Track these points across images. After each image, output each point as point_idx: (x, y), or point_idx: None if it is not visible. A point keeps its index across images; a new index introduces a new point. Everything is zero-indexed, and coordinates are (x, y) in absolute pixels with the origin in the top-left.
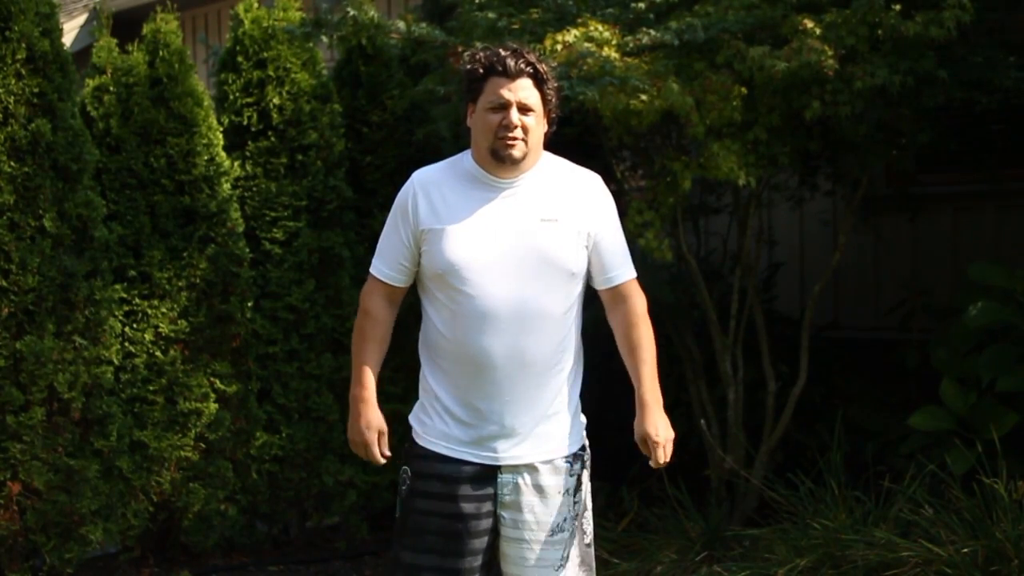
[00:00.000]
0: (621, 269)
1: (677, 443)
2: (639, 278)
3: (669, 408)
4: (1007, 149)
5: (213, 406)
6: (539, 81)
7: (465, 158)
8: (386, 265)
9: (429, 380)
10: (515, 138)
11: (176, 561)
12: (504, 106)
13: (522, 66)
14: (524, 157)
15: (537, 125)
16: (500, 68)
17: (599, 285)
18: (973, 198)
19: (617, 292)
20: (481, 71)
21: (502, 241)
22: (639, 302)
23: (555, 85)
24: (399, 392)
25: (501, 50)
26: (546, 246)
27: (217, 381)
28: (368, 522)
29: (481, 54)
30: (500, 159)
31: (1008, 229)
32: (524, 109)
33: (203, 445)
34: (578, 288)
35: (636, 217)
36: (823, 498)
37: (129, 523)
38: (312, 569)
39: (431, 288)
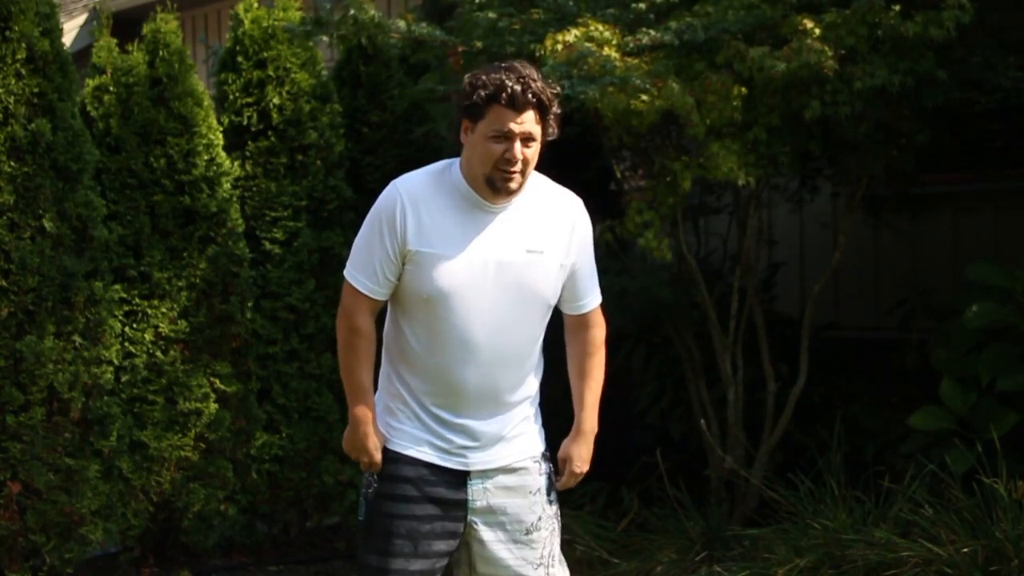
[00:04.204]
0: (590, 297)
1: (677, 443)
2: (640, 279)
3: (669, 408)
4: (1007, 149)
5: (213, 406)
6: (544, 111)
7: (453, 173)
8: (371, 280)
9: (397, 385)
10: (515, 171)
11: (176, 561)
12: (508, 137)
13: (529, 97)
14: (520, 188)
15: (535, 153)
16: (506, 99)
17: (567, 310)
18: (973, 198)
19: (583, 319)
20: (484, 96)
21: (490, 271)
22: (600, 332)
23: (556, 110)
24: None
25: (508, 77)
26: (530, 279)
27: (217, 381)
28: None
29: (485, 77)
30: (496, 190)
31: (1008, 229)
32: (526, 140)
33: (203, 445)
34: (549, 315)
35: (636, 217)
36: (823, 498)
37: (129, 523)
38: (312, 569)
39: (410, 307)
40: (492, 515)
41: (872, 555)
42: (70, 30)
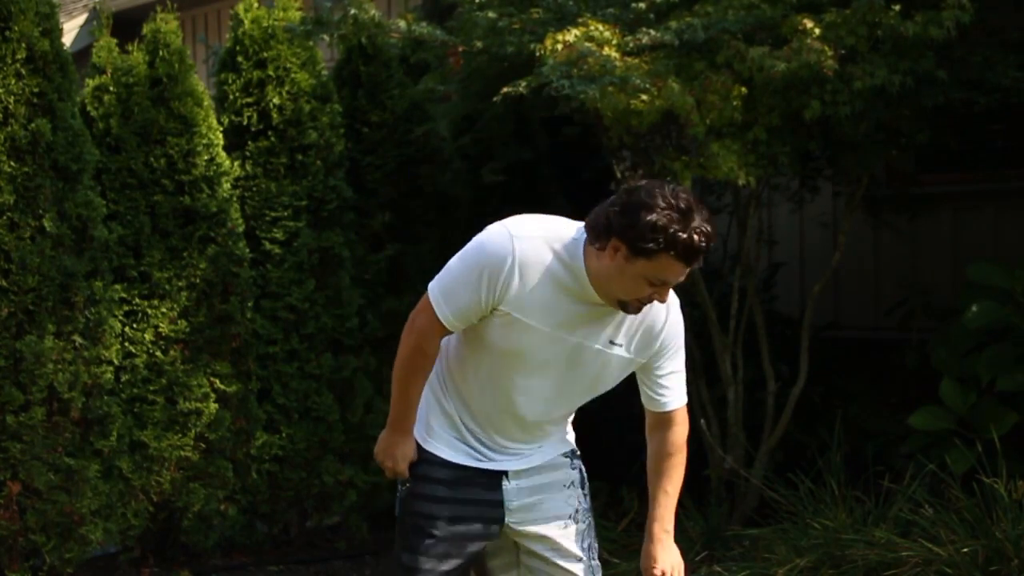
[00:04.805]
0: (673, 397)
1: None
2: None
3: None
4: (1006, 149)
5: (213, 406)
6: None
7: (576, 260)
8: (455, 315)
9: (445, 394)
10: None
11: (176, 561)
12: (664, 283)
13: (703, 253)
14: None
15: None
16: (683, 255)
17: (649, 406)
18: (973, 198)
19: (664, 417)
20: (662, 244)
21: (569, 350)
22: (681, 431)
23: None
24: None
25: (690, 229)
26: (602, 367)
27: (217, 381)
28: (368, 522)
29: (663, 220)
30: (622, 310)
31: (1008, 229)
32: None
33: (203, 445)
34: None
35: None
36: (823, 498)
37: (129, 523)
38: (312, 569)
39: (481, 348)
40: (529, 512)
41: (872, 555)
42: (70, 30)
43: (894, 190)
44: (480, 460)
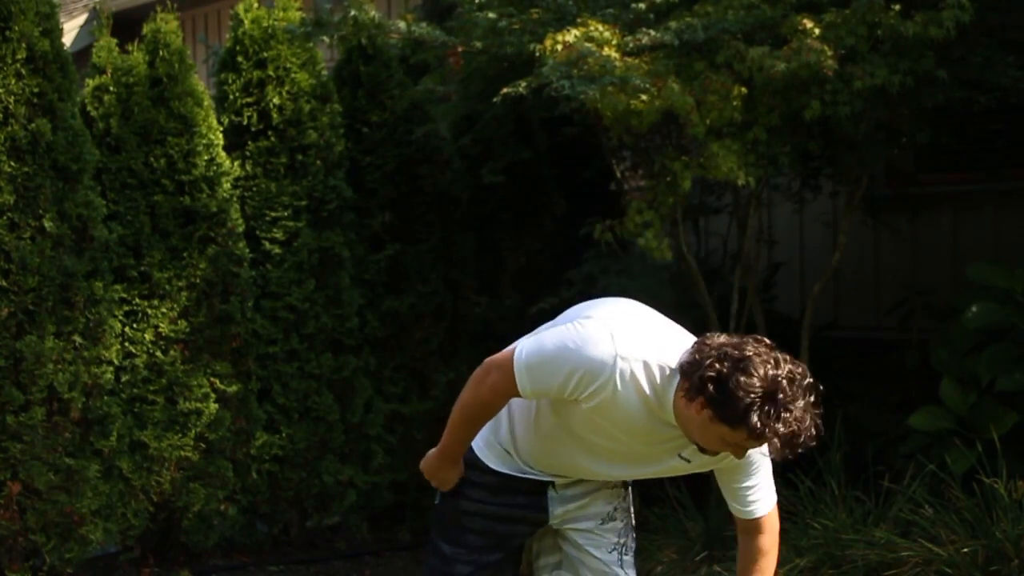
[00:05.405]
0: (755, 505)
1: None
2: (640, 279)
3: None
4: (1006, 148)
5: (213, 406)
6: None
7: (666, 394)
8: (534, 390)
9: (501, 427)
10: None
11: (176, 561)
12: (742, 449)
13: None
14: None
15: None
16: (764, 443)
17: (733, 512)
18: (973, 198)
19: (750, 523)
20: (745, 428)
21: (637, 454)
22: (767, 539)
23: None
24: (399, 392)
25: (781, 426)
26: (662, 470)
27: (217, 381)
28: (368, 522)
29: (753, 409)
30: (700, 451)
31: (1008, 229)
32: None
33: (203, 445)
34: None
35: (636, 217)
36: (823, 498)
37: (129, 523)
38: (312, 569)
39: (551, 414)
40: (571, 514)
41: (872, 555)
42: (70, 30)
43: (894, 190)
44: (527, 472)
